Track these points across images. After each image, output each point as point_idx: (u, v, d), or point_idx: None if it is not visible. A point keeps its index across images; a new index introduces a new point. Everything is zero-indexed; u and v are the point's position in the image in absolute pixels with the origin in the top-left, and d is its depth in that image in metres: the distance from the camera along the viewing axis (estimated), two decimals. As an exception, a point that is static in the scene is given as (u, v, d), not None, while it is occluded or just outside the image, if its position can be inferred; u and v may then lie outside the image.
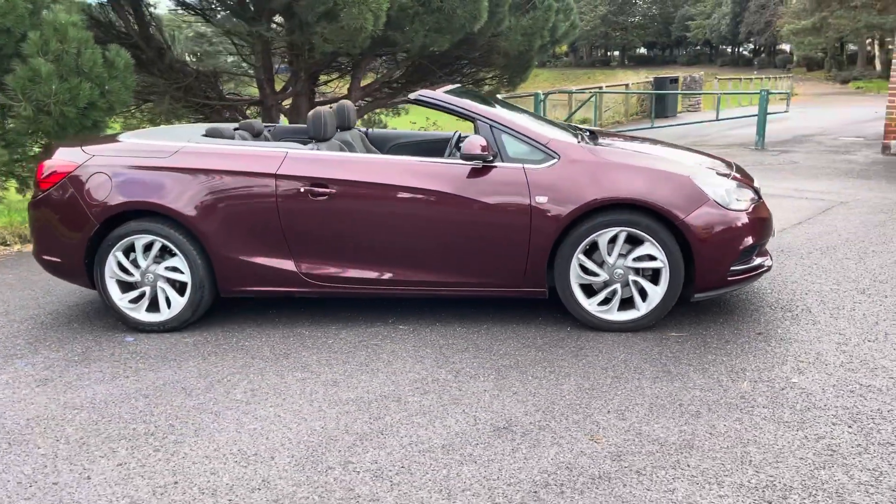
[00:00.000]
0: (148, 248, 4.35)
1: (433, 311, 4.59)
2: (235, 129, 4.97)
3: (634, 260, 4.09)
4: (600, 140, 4.73)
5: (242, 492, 2.74)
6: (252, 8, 10.79)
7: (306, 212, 4.23)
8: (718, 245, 4.05)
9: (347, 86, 13.36)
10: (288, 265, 4.31)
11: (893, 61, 10.42)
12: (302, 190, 4.20)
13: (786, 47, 65.46)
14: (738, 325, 4.20)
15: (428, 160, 4.26)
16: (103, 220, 4.32)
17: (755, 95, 14.00)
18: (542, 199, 4.06)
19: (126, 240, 4.31)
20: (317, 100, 13.11)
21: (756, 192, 4.39)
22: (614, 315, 4.17)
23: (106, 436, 3.19)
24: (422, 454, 2.95)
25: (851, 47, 53.53)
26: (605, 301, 4.18)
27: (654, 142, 5.13)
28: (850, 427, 3.04)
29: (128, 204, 4.28)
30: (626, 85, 20.66)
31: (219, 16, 11.77)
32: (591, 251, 4.16)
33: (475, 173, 4.15)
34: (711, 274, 4.09)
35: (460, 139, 5.12)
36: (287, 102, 12.74)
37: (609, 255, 4.10)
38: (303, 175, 4.22)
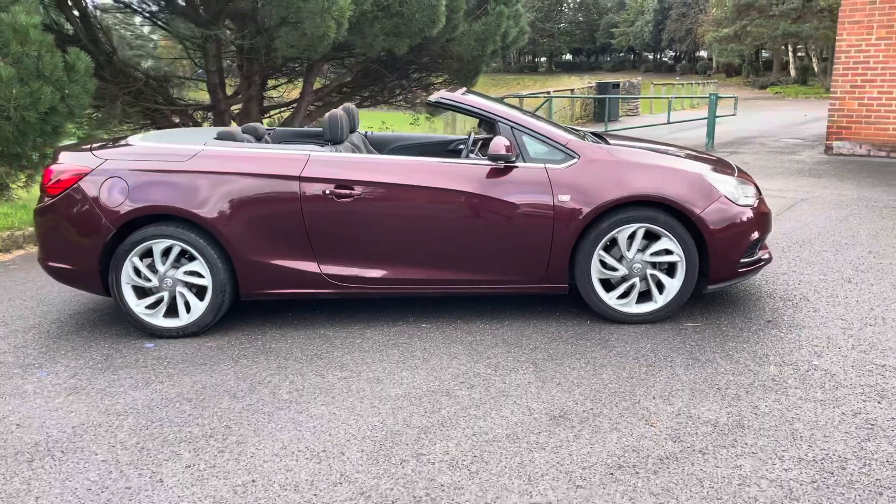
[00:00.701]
0: (166, 252, 4.30)
1: (451, 309, 4.68)
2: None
3: (652, 255, 4.28)
4: (609, 141, 4.91)
5: (324, 486, 2.77)
6: (203, 12, 10.58)
7: (331, 214, 4.26)
8: (729, 239, 4.27)
9: (297, 90, 13.31)
10: (311, 267, 4.33)
11: (834, 70, 11.03)
12: (327, 192, 4.23)
13: (703, 54, 67.84)
14: (746, 315, 4.43)
15: (451, 161, 4.36)
16: (120, 226, 4.25)
17: (690, 100, 14.54)
18: (564, 198, 4.20)
19: (144, 245, 4.25)
20: (265, 105, 13.00)
21: (757, 188, 4.64)
22: (633, 308, 4.35)
23: (163, 439, 3.16)
24: (489, 444, 3.04)
25: (765, 54, 55.98)
26: (624, 295, 4.36)
27: (652, 142, 5.34)
28: (879, 402, 3.28)
29: (147, 208, 4.22)
30: (572, 90, 21.16)
31: (166, 19, 11.51)
32: (609, 247, 4.33)
33: (498, 173, 4.26)
34: (723, 266, 4.31)
35: (484, 142, 5.16)
36: (237, 107, 12.57)
37: (628, 250, 4.27)
38: (328, 177, 4.25)
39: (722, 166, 4.70)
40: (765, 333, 4.13)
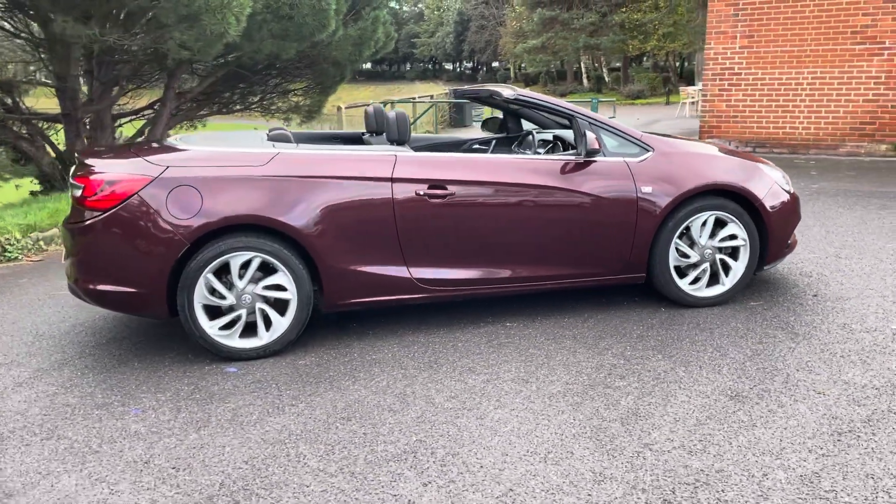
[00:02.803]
0: (244, 266, 3.91)
1: (520, 308, 4.64)
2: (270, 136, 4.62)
3: (721, 240, 4.52)
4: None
5: (587, 485, 2.68)
6: (62, 12, 9.56)
7: (422, 215, 4.08)
8: (782, 222, 4.63)
9: (146, 98, 12.50)
10: (401, 272, 4.12)
11: (704, 75, 12.15)
12: (421, 193, 4.06)
13: (496, 64, 71.27)
14: (791, 291, 4.80)
15: (535, 157, 4.34)
16: (195, 240, 3.80)
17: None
18: (647, 190, 4.34)
19: (221, 259, 3.83)
20: (113, 112, 11.96)
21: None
22: (704, 292, 4.57)
23: (364, 461, 2.89)
24: (700, 426, 3.08)
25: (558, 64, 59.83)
26: (694, 280, 4.57)
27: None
28: (981, 355, 3.73)
29: (228, 219, 3.80)
30: (431, 96, 21.49)
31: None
32: (680, 235, 4.52)
33: (581, 168, 4.31)
34: (776, 248, 4.66)
35: (558, 139, 5.13)
36: (88, 116, 11.47)
37: (700, 237, 4.49)
38: (421, 177, 4.07)
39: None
40: (825, 306, 4.51)
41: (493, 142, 5.67)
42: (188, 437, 3.15)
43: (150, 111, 12.64)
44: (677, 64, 50.77)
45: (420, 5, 78.05)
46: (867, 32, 10.82)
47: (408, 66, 79.23)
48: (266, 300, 3.98)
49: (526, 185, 4.22)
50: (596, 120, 4.44)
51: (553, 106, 4.44)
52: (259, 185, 3.88)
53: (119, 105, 12.79)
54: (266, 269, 3.96)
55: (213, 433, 3.17)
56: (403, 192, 4.04)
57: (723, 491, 2.62)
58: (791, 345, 3.93)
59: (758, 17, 11.46)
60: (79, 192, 3.87)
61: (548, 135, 5.09)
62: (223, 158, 3.93)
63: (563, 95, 52.78)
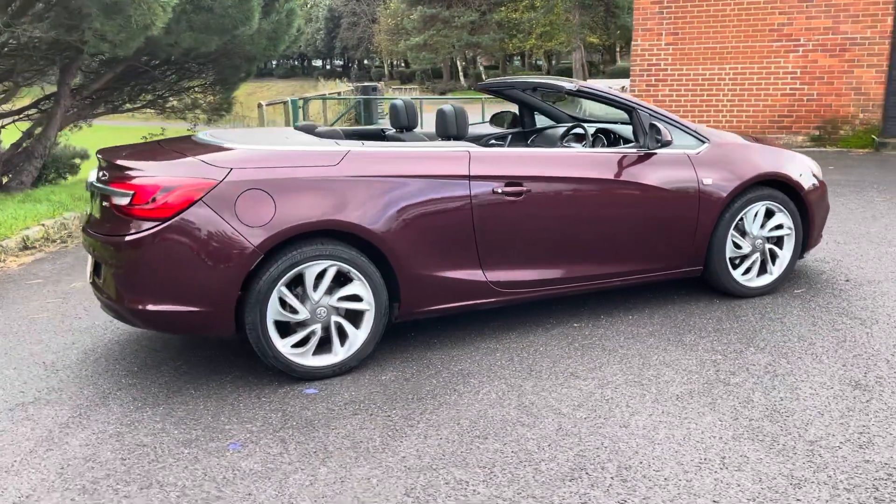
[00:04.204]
0: (319, 276, 3.54)
1: (574, 308, 4.48)
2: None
3: (770, 230, 4.55)
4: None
5: (787, 488, 2.57)
6: None
7: (499, 214, 3.85)
8: (820, 210, 4.73)
9: (29, 95, 11.52)
10: (477, 275, 3.87)
11: (631, 70, 12.45)
12: (498, 190, 3.82)
13: (367, 62, 70.59)
14: (821, 279, 4.91)
15: (602, 150, 4.20)
16: (269, 249, 3.40)
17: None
18: (708, 181, 4.30)
19: (295, 270, 3.45)
20: None
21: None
22: (755, 282, 4.58)
23: (558, 474, 2.65)
24: (858, 415, 3.05)
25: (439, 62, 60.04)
26: (746, 271, 4.57)
27: None
28: None
29: (303, 225, 3.42)
30: (339, 92, 20.94)
31: None
32: (729, 226, 4.51)
33: (646, 160, 4.21)
34: (816, 235, 4.76)
35: (600, 133, 4.95)
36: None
37: (752, 227, 4.50)
38: (497, 174, 3.83)
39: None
40: (865, 290, 4.63)
41: (510, 137, 5.49)
42: (319, 472, 2.78)
43: (34, 111, 11.50)
44: (543, 62, 52.27)
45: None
46: (783, 30, 11.43)
47: (273, 64, 77.07)
48: (340, 312, 3.62)
49: (597, 180, 4.07)
50: (655, 111, 4.35)
51: (612, 97, 4.30)
52: (333, 186, 3.52)
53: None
54: (338, 279, 3.60)
55: (343, 464, 2.82)
56: (480, 190, 3.79)
57: (924, 483, 2.58)
58: (866, 329, 3.99)
59: (682, 15, 11.86)
60: (124, 200, 3.36)
61: (589, 128, 4.96)
62: (292, 158, 3.54)
63: (443, 93, 53.10)
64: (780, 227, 4.57)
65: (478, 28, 47.32)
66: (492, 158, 3.88)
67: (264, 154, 3.53)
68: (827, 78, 11.39)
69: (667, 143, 4.18)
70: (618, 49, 49.15)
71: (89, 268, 3.78)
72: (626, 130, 4.73)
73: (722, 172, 4.33)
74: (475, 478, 2.71)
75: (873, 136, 11.06)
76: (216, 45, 11.48)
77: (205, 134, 3.91)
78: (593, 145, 4.77)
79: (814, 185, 4.66)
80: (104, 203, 3.53)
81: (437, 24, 46.52)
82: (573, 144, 4.84)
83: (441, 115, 4.13)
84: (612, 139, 4.76)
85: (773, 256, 4.61)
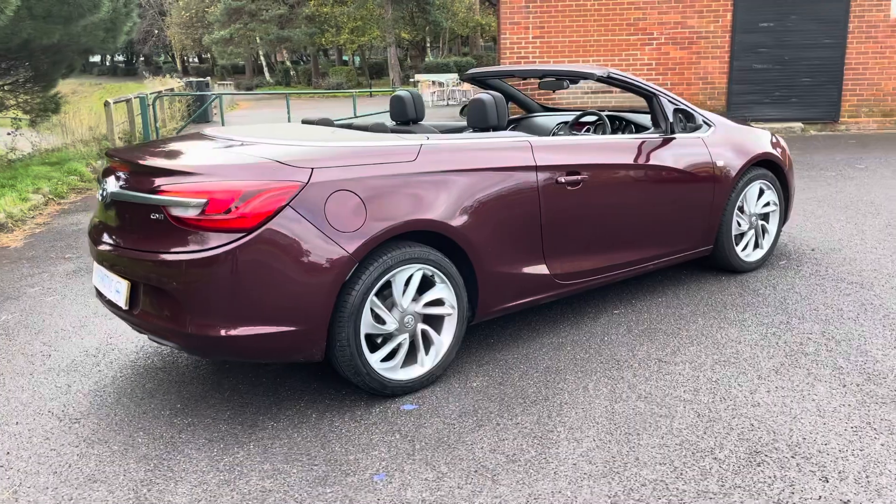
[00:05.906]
0: (406, 282, 3.26)
1: (602, 295, 4.50)
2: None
3: (762, 207, 4.83)
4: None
5: None
6: None
7: (561, 204, 3.75)
8: (793, 185, 5.09)
9: None
10: (542, 269, 3.75)
11: (501, 60, 12.69)
12: (562, 180, 3.72)
13: (158, 58, 66.07)
14: (789, 248, 5.30)
15: (638, 136, 4.22)
16: (364, 256, 3.07)
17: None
18: (720, 163, 4.47)
19: (386, 278, 3.15)
20: None
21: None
22: (751, 257, 4.84)
23: (762, 461, 2.62)
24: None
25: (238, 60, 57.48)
26: (745, 247, 4.81)
27: None
28: None
29: (394, 228, 3.12)
30: (172, 89, 19.36)
31: None
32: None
33: (669, 144, 4.30)
34: (790, 209, 5.12)
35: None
36: None
37: (749, 206, 4.74)
38: (559, 164, 3.73)
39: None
40: (837, 257, 5.04)
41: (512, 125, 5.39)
42: (500, 491, 2.56)
43: None
44: (357, 57, 51.99)
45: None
46: (639, 25, 12.21)
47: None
48: (421, 319, 3.36)
49: (638, 166, 4.09)
50: (672, 97, 4.45)
51: (637, 84, 4.33)
52: (415, 183, 3.25)
53: None
54: (428, 284, 3.35)
55: (518, 480, 2.61)
56: (546, 180, 3.68)
57: None
58: (869, 293, 4.35)
59: (547, 10, 12.28)
60: (191, 211, 2.89)
61: (589, 117, 4.98)
62: (373, 154, 3.22)
63: (248, 90, 51.05)
64: (768, 204, 4.86)
65: (287, 22, 46.03)
66: (552, 147, 3.78)
67: (343, 151, 3.18)
68: (678, 69, 12.32)
69: (697, 128, 4.29)
70: (427, 44, 50.02)
71: (123, 296, 3.20)
72: (631, 118, 4.82)
73: (729, 154, 4.53)
74: (666, 475, 2.62)
75: (722, 121, 12.12)
76: (59, 37, 10.25)
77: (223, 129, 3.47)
78: (595, 132, 4.80)
79: (790, 162, 5.01)
80: (150, 215, 3.01)
81: (243, 18, 44.67)
82: (570, 132, 4.85)
83: (479, 104, 3.94)
84: (619, 126, 4.82)
85: (764, 231, 4.90)
